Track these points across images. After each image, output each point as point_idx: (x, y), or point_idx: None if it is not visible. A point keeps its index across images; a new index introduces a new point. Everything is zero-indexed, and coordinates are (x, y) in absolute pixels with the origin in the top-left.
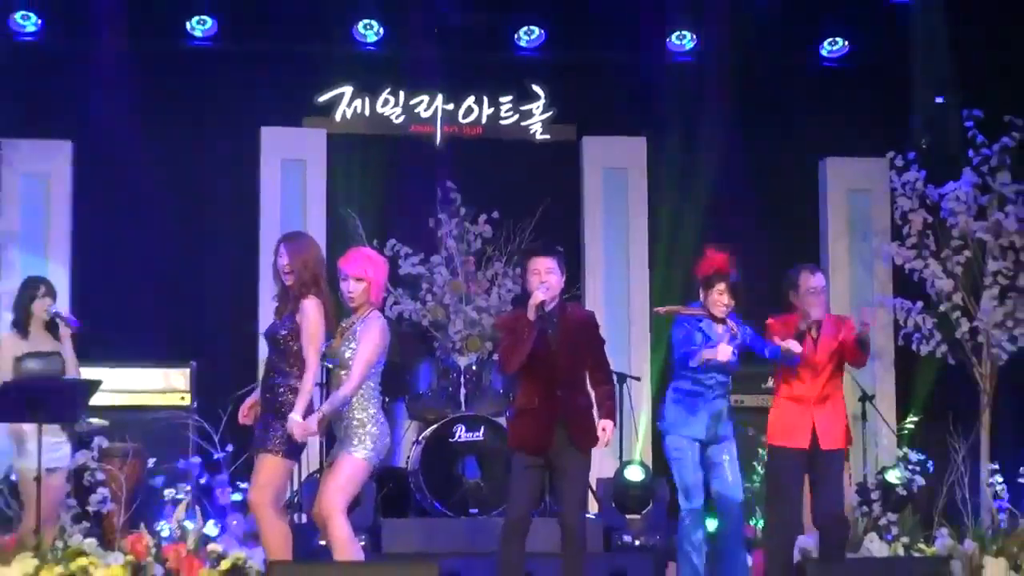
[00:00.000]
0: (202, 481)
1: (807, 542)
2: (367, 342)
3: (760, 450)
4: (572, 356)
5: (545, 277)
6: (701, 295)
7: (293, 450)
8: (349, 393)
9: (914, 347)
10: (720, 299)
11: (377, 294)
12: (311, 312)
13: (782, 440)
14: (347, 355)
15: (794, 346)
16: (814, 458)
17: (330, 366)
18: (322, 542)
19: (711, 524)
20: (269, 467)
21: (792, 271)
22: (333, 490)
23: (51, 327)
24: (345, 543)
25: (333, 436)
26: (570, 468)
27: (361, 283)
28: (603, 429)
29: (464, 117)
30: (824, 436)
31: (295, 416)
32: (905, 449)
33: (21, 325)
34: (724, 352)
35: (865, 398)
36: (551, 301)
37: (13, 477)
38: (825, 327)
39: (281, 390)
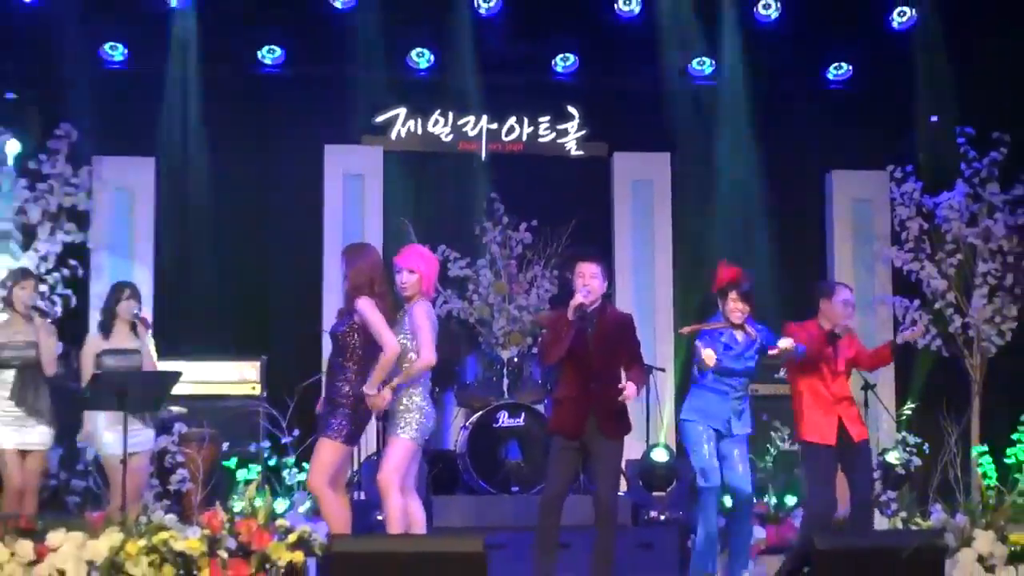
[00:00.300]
0: (271, 463)
1: None
2: (422, 329)
3: (772, 433)
4: (607, 354)
5: (588, 281)
6: (720, 306)
7: (351, 436)
8: (422, 367)
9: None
10: (736, 307)
11: (428, 286)
12: (365, 308)
13: (815, 437)
14: (401, 342)
15: (786, 343)
16: (845, 451)
17: None
18: (379, 517)
19: (727, 501)
20: (327, 451)
21: (828, 283)
22: (386, 471)
23: (134, 326)
24: (399, 517)
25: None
26: (602, 452)
27: (413, 275)
28: (626, 386)
29: (506, 135)
30: (853, 430)
31: (369, 389)
32: (903, 433)
33: (106, 325)
34: (709, 358)
35: (867, 387)
36: (592, 303)
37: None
38: (843, 338)
39: (339, 382)
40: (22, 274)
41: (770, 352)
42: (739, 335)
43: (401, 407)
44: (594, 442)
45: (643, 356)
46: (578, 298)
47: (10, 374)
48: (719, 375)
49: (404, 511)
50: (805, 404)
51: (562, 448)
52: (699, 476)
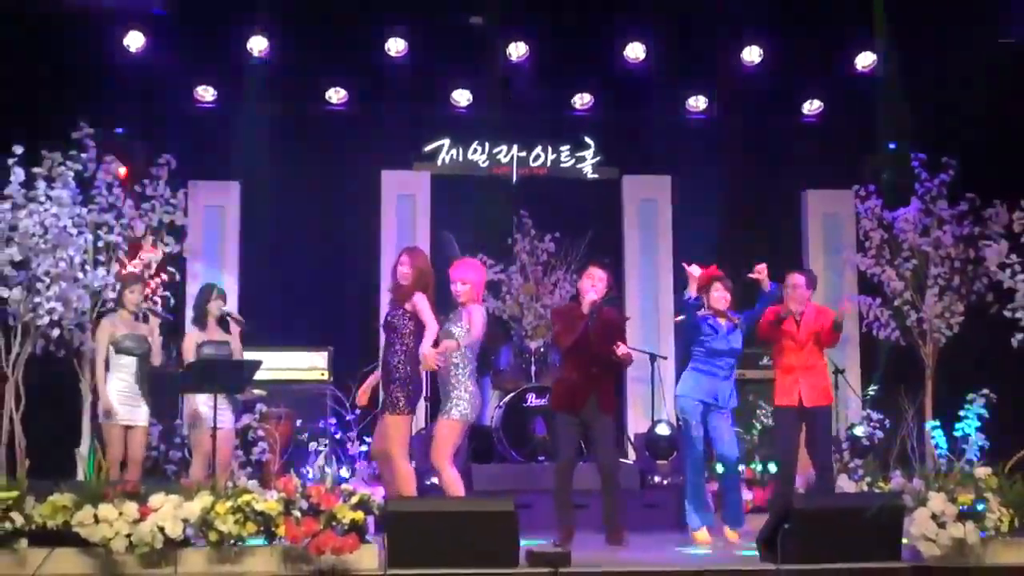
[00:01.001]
0: (337, 437)
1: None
2: (477, 323)
3: (757, 411)
4: (604, 343)
5: (596, 283)
6: (705, 300)
7: (409, 406)
8: (475, 338)
9: (875, 333)
10: (719, 295)
11: (478, 293)
12: (422, 303)
13: (780, 400)
14: (453, 331)
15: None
16: (804, 415)
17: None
18: (429, 482)
19: (719, 468)
20: (393, 424)
21: (788, 273)
22: (438, 447)
23: (222, 323)
24: (454, 485)
25: (435, 402)
26: (601, 425)
27: (465, 285)
28: (618, 345)
29: (533, 161)
30: (807, 396)
31: (425, 348)
32: (868, 410)
33: (200, 320)
34: (695, 270)
35: (837, 372)
36: (598, 300)
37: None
38: (808, 313)
39: (395, 363)
40: (132, 279)
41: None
42: (722, 321)
43: (452, 389)
44: (594, 417)
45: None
46: (592, 295)
47: (132, 361)
48: (708, 356)
49: (458, 479)
50: (777, 373)
51: (567, 423)
52: (685, 440)
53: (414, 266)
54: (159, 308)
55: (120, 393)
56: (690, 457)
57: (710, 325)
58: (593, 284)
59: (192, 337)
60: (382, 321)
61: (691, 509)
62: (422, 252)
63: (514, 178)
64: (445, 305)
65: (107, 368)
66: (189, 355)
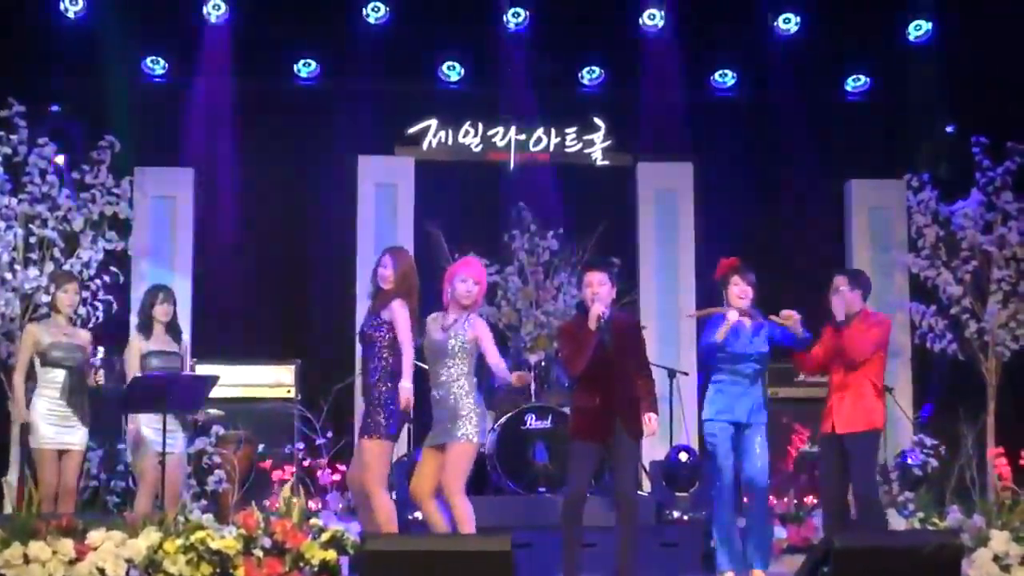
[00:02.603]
0: (305, 463)
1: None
2: (490, 340)
3: (793, 435)
4: (623, 357)
5: (597, 289)
6: (724, 295)
7: (392, 430)
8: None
9: (929, 345)
10: (740, 289)
11: (482, 297)
12: (400, 312)
13: (821, 427)
14: (452, 345)
15: (789, 313)
16: (840, 443)
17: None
18: (411, 516)
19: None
20: (371, 450)
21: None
22: (450, 475)
23: (172, 330)
24: (467, 519)
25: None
26: (624, 452)
27: (478, 285)
28: (648, 420)
29: (534, 146)
30: (840, 421)
31: (404, 381)
32: (920, 435)
33: (146, 327)
34: (733, 316)
35: (885, 390)
36: (606, 311)
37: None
38: (858, 321)
39: (374, 380)
40: (65, 277)
41: (781, 319)
42: (746, 320)
43: (462, 410)
44: (619, 443)
45: (648, 359)
46: (599, 307)
47: (60, 374)
48: (733, 362)
49: (471, 513)
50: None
51: (585, 452)
52: (714, 470)
53: (397, 268)
54: (100, 314)
55: (49, 412)
56: (720, 489)
57: (732, 327)
58: (594, 292)
59: (136, 346)
60: (358, 331)
61: (721, 549)
62: (407, 253)
63: (511, 165)
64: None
65: (35, 382)
66: (133, 367)
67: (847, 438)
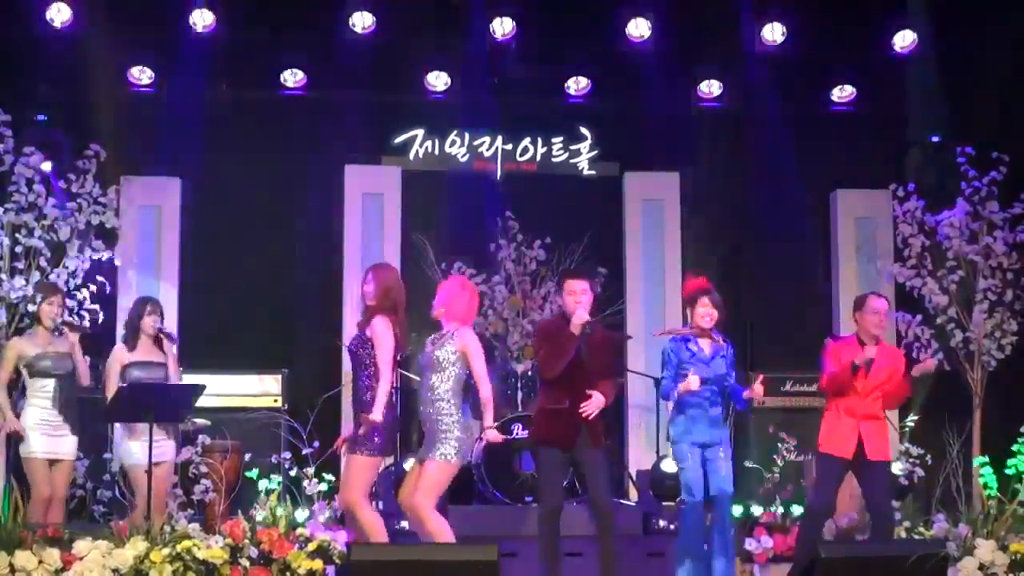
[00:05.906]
0: (292, 473)
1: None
2: (478, 354)
3: (780, 444)
4: (594, 367)
5: (580, 297)
6: (689, 314)
7: (382, 448)
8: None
9: (914, 355)
10: (706, 311)
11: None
12: (380, 328)
13: (830, 448)
14: (436, 356)
15: (755, 392)
16: (860, 467)
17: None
18: (399, 526)
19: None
20: (358, 465)
21: (861, 296)
22: (423, 491)
23: (158, 340)
24: (440, 531)
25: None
26: (592, 460)
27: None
28: (593, 396)
29: (521, 155)
30: (871, 448)
31: (377, 406)
32: (906, 444)
33: (130, 338)
34: (695, 383)
35: None
36: (589, 319)
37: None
38: (880, 354)
39: (367, 398)
40: (50, 290)
41: (744, 395)
42: (706, 344)
43: (442, 426)
44: (585, 452)
45: (616, 371)
46: (582, 315)
47: (50, 383)
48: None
49: (446, 526)
50: (830, 418)
51: (554, 462)
52: (684, 492)
53: (379, 284)
54: (86, 324)
55: (42, 422)
56: (690, 506)
57: (689, 349)
58: (576, 299)
59: (117, 356)
60: (346, 347)
61: (683, 563)
62: (391, 268)
63: (498, 174)
64: (428, 328)
65: (22, 393)
66: (111, 376)
67: (879, 465)
